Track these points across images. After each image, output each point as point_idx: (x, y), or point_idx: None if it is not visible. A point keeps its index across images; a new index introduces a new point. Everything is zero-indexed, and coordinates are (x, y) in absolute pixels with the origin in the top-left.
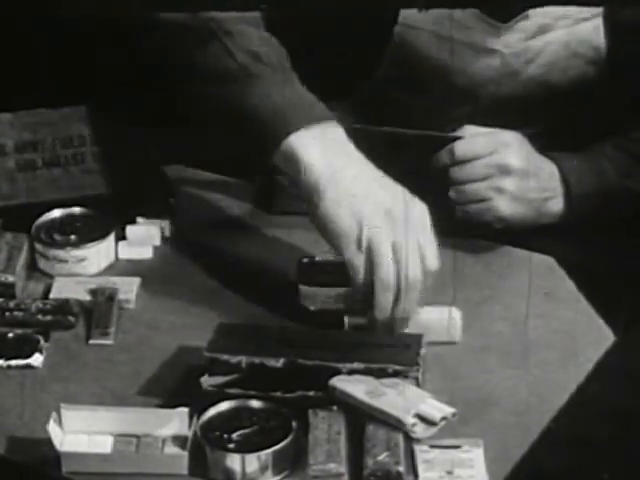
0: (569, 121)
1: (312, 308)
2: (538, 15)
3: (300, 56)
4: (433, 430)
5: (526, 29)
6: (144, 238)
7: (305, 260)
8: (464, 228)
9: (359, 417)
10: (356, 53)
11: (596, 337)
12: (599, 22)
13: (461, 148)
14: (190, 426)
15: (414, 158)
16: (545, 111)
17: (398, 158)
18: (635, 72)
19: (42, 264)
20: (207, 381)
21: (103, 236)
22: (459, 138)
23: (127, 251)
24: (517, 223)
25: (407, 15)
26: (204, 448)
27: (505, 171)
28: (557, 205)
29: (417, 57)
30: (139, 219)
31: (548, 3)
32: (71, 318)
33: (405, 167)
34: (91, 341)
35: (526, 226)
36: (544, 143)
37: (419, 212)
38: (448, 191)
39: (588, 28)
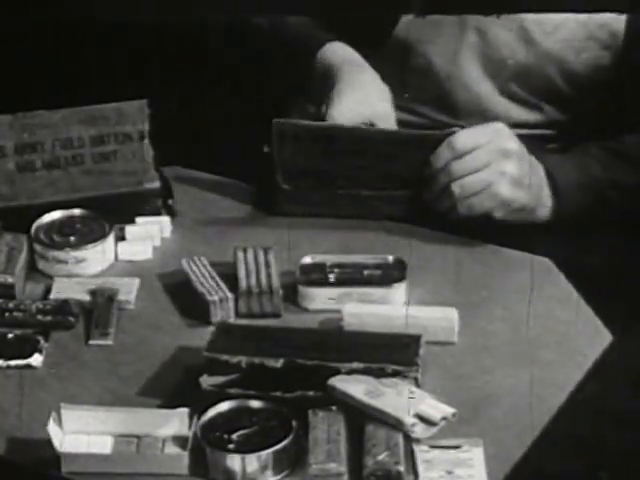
0: (574, 106)
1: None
2: None
3: None
4: (433, 430)
5: None
6: (144, 238)
7: (305, 260)
8: (465, 223)
9: (359, 417)
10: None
11: (594, 337)
12: None
13: (461, 140)
14: (190, 426)
15: (413, 157)
16: (551, 92)
17: (397, 158)
18: None
19: (42, 265)
20: (207, 381)
21: (102, 237)
22: (454, 133)
23: (127, 252)
24: (518, 209)
25: None
26: (204, 448)
27: (505, 154)
28: (549, 200)
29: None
30: (139, 219)
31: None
32: (71, 318)
33: (404, 167)
34: (91, 341)
35: (524, 219)
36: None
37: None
38: (448, 188)
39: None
